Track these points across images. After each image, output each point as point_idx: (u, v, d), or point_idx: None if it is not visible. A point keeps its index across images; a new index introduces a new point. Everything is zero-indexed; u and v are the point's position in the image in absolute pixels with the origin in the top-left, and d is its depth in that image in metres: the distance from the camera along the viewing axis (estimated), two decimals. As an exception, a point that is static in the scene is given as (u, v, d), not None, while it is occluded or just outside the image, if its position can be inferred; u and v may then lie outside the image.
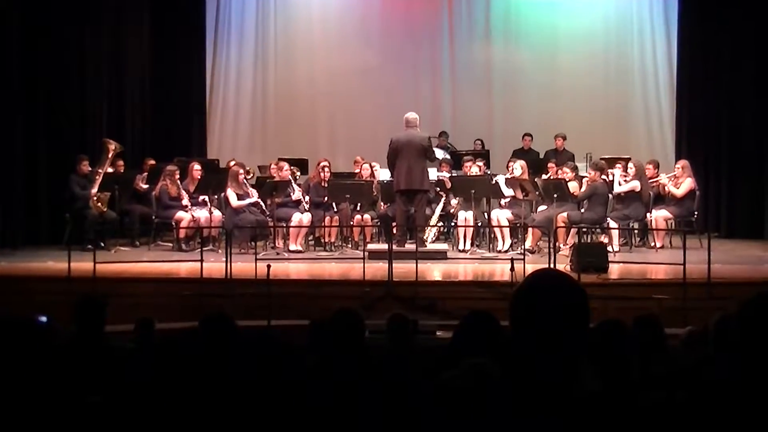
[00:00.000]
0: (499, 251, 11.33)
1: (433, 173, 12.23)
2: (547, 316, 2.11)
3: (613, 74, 15.27)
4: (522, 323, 2.15)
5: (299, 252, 11.33)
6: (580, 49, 15.17)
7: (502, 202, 11.98)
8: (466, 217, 11.61)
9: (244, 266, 9.54)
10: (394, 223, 11.35)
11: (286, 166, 11.97)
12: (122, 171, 12.32)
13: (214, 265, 9.73)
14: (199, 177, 11.94)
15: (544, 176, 12.34)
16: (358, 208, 11.95)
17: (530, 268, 8.84)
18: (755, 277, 9.65)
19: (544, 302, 2.13)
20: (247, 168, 12.53)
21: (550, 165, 12.64)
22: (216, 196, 11.94)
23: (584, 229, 11.33)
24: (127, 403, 3.25)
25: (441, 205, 12.12)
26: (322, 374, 3.76)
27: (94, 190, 11.64)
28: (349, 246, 11.83)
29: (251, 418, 2.98)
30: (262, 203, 11.81)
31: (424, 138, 11.17)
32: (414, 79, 15.50)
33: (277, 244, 11.59)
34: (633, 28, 15.23)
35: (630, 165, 11.72)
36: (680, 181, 11.86)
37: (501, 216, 11.63)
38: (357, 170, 12.64)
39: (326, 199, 11.73)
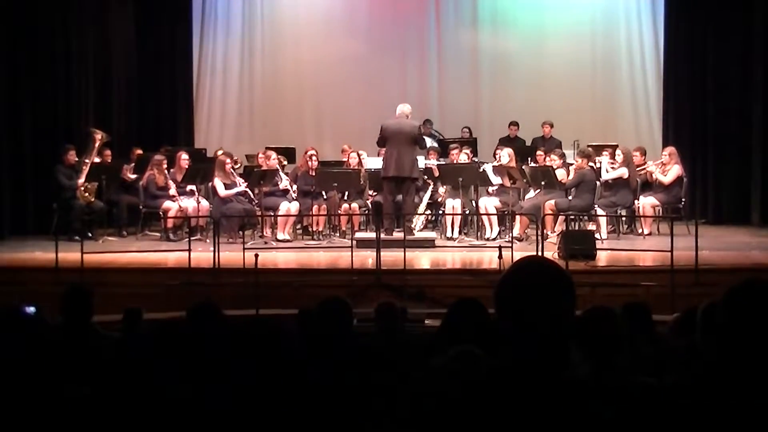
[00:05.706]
0: (487, 239, 11.35)
1: (421, 161, 12.23)
2: (532, 303, 2.11)
3: (601, 61, 15.25)
4: (507, 310, 2.15)
5: (287, 241, 11.33)
6: (567, 36, 15.15)
7: (490, 189, 11.99)
8: (453, 205, 11.61)
9: (231, 255, 9.52)
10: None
11: (273, 155, 11.95)
12: (109, 161, 12.25)
13: (201, 255, 9.74)
14: (186, 166, 11.92)
15: (532, 164, 12.34)
16: (346, 197, 11.94)
17: (518, 256, 8.82)
18: (742, 263, 9.68)
19: (529, 289, 2.13)
20: (235, 157, 12.50)
21: (538, 153, 12.63)
22: (203, 186, 11.92)
23: (572, 217, 11.34)
24: (115, 393, 3.24)
25: (429, 193, 12.13)
26: (310, 361, 3.75)
27: (81, 180, 11.59)
28: (337, 235, 11.82)
29: (239, 410, 2.98)
30: (249, 192, 11.79)
31: (415, 126, 11.16)
32: (401, 67, 15.46)
33: (264, 233, 11.58)
34: (620, 15, 15.21)
35: (617, 152, 11.73)
36: (667, 168, 11.87)
37: (489, 204, 11.64)
38: (344, 159, 12.62)
39: (314, 187, 11.69)
